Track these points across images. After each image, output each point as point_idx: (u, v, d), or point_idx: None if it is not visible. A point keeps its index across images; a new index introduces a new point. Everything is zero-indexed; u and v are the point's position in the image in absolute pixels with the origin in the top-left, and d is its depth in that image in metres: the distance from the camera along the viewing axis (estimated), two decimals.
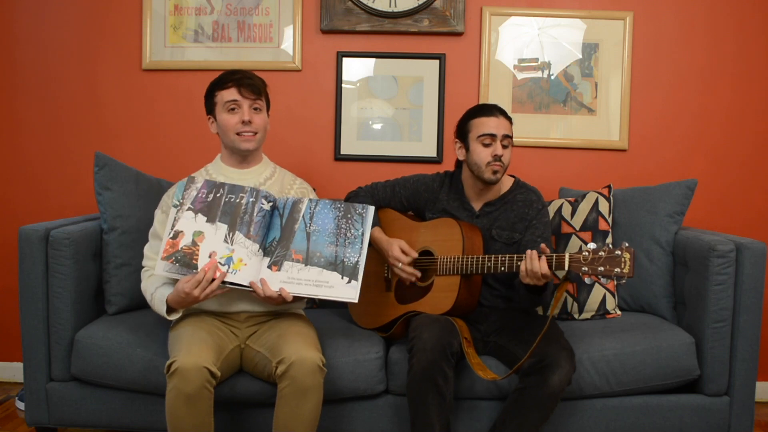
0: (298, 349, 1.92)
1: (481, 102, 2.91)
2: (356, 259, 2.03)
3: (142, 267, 2.19)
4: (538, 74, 2.94)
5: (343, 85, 2.96)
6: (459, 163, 2.39)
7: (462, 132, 2.28)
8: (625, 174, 2.93)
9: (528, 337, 2.06)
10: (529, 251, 1.97)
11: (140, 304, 2.42)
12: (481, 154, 2.21)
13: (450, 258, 2.17)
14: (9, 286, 2.96)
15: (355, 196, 2.44)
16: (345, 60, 2.95)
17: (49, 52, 2.98)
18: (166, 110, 2.99)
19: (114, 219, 2.37)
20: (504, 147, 2.22)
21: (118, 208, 2.38)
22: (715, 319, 2.21)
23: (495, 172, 2.22)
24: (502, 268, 2.07)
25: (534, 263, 1.94)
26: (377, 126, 2.99)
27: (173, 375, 1.84)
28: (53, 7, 2.96)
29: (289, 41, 2.95)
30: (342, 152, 2.98)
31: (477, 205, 2.31)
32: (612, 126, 2.94)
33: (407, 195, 2.40)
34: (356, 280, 2.02)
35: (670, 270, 2.48)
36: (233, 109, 2.12)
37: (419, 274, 2.24)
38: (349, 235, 2.05)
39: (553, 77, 2.94)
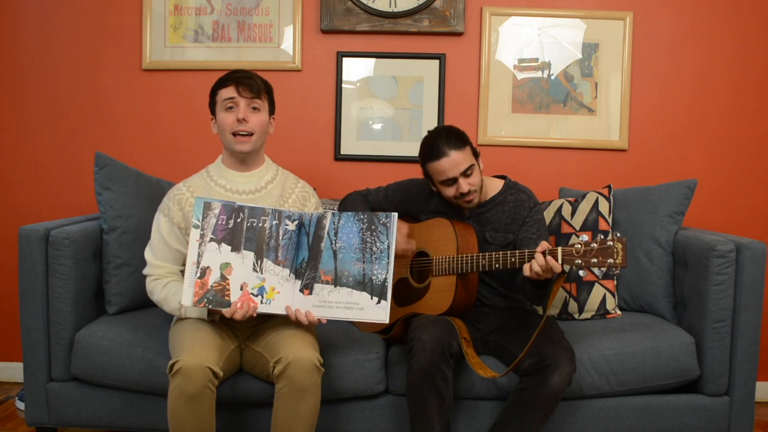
0: (296, 349, 1.92)
1: (485, 105, 2.91)
2: (384, 276, 1.98)
3: (148, 276, 2.14)
4: (538, 74, 2.94)
5: (343, 85, 2.96)
6: None
7: (426, 175, 2.27)
8: (625, 174, 2.93)
9: (527, 337, 2.05)
10: (549, 259, 1.90)
11: (140, 304, 2.42)
12: (449, 193, 2.20)
13: (445, 258, 2.17)
14: (9, 286, 2.96)
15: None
16: (345, 60, 2.95)
17: (50, 52, 2.98)
18: (166, 110, 2.99)
19: (114, 219, 2.37)
20: (468, 176, 2.17)
21: (118, 208, 2.38)
22: (715, 319, 2.22)
23: (468, 202, 2.21)
24: (497, 265, 2.07)
25: (539, 260, 1.91)
26: (377, 126, 2.99)
27: (176, 375, 1.83)
28: (54, 7, 2.96)
29: (289, 41, 2.95)
30: (342, 152, 2.98)
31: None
32: (612, 126, 2.94)
33: (400, 199, 2.40)
34: (385, 299, 1.97)
35: (670, 270, 2.48)
36: (230, 108, 2.09)
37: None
38: (375, 249, 2.00)
39: (553, 77, 2.94)
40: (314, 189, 2.33)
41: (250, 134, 2.10)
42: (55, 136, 3.00)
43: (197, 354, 1.86)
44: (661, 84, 2.94)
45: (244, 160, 2.16)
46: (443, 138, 2.16)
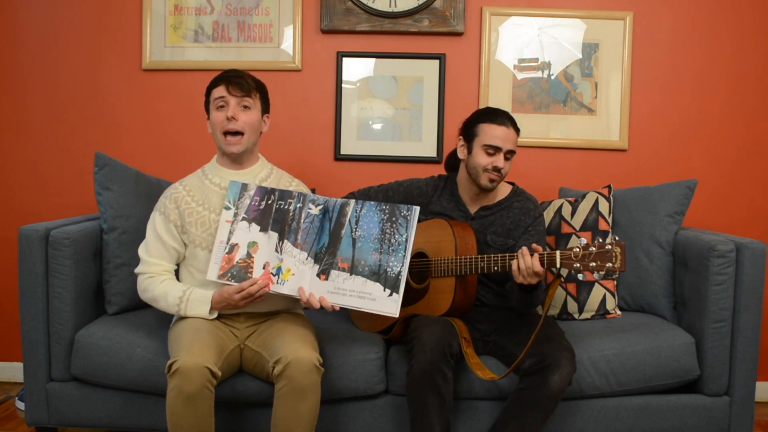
0: (295, 349, 1.92)
1: (485, 105, 2.91)
2: (398, 270, 2.00)
3: (142, 274, 2.15)
4: (538, 74, 2.94)
5: (343, 85, 2.96)
6: (450, 166, 2.39)
7: (468, 133, 2.27)
8: (625, 174, 2.93)
9: (527, 337, 2.05)
10: (521, 249, 1.98)
11: (140, 304, 2.41)
12: (482, 161, 2.21)
13: (443, 260, 2.17)
14: (9, 286, 2.96)
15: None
16: (345, 60, 2.95)
17: (50, 53, 2.98)
18: (166, 110, 2.99)
19: (114, 219, 2.37)
20: (506, 159, 2.22)
21: (118, 208, 2.38)
22: (715, 319, 2.22)
23: (492, 181, 2.22)
24: (495, 268, 2.07)
25: (527, 259, 1.96)
26: (377, 126, 2.99)
27: (174, 375, 1.83)
28: (54, 7, 2.96)
29: (289, 41, 2.95)
30: (342, 152, 2.98)
31: (472, 208, 2.31)
32: (612, 126, 2.94)
33: (400, 199, 2.39)
34: (397, 293, 1.99)
35: (670, 270, 2.48)
36: (222, 106, 2.12)
37: None
38: (393, 241, 2.02)
39: (553, 77, 2.94)
40: (313, 189, 2.33)
41: (240, 133, 2.11)
42: (55, 136, 3.00)
43: (196, 354, 1.86)
44: (661, 84, 2.94)
45: (237, 159, 2.18)
46: (508, 115, 2.26)
